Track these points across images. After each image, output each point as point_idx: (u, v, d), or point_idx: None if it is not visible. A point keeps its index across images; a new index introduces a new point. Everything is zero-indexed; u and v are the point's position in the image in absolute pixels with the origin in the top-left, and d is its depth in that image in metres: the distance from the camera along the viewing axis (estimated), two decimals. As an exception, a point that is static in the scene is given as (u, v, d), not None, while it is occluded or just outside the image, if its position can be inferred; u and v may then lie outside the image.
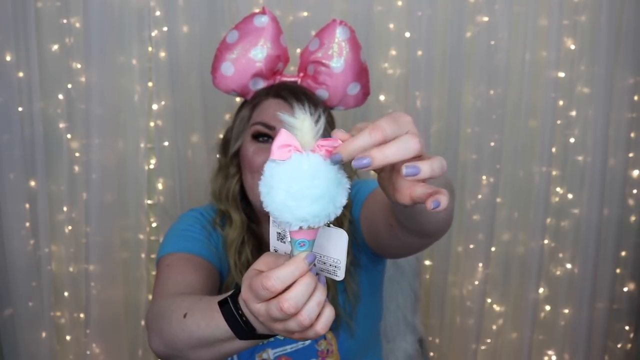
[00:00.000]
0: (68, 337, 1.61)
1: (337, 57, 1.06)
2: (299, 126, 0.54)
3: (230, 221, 1.05)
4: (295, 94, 1.01)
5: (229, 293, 0.67)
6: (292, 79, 1.09)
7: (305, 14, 1.53)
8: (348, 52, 1.07)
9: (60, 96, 1.51)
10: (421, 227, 0.74)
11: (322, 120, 0.55)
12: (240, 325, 0.64)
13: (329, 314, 0.57)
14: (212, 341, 0.69)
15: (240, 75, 1.05)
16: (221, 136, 1.16)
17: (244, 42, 1.06)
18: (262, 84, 1.08)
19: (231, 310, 0.65)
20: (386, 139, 0.51)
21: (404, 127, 0.52)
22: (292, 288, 0.55)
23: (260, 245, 1.06)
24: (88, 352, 1.55)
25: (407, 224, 0.74)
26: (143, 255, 1.58)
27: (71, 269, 1.57)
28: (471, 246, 1.70)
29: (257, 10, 1.51)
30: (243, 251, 1.03)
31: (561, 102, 1.67)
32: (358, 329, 1.05)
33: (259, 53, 1.05)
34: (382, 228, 0.88)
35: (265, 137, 1.00)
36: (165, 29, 1.49)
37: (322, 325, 0.57)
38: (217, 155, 1.13)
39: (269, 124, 0.99)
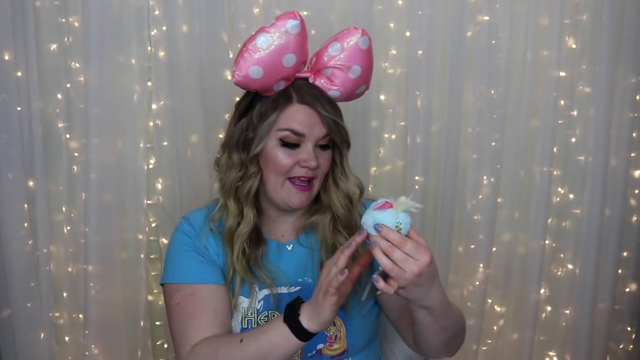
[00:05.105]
0: (67, 338, 1.60)
1: (355, 66, 1.08)
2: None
3: (229, 214, 1.08)
4: (318, 100, 1.04)
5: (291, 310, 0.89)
6: (305, 75, 1.09)
7: (305, 13, 1.52)
8: (366, 61, 1.10)
9: (59, 96, 1.50)
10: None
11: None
12: (299, 325, 0.86)
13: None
14: (267, 350, 0.89)
15: (268, 78, 1.05)
16: (221, 136, 1.15)
17: (277, 48, 1.03)
18: (283, 85, 1.08)
19: (293, 309, 0.89)
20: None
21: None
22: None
23: (257, 236, 1.09)
24: (87, 353, 1.55)
25: None
26: (142, 256, 1.58)
27: (70, 269, 1.57)
28: (472, 246, 1.70)
29: (257, 10, 1.52)
30: (244, 242, 1.07)
31: (562, 102, 1.67)
32: (364, 319, 1.09)
33: (290, 59, 1.04)
34: None
35: (293, 144, 1.03)
36: (164, 28, 1.49)
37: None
38: (227, 152, 1.10)
39: (298, 131, 1.02)
